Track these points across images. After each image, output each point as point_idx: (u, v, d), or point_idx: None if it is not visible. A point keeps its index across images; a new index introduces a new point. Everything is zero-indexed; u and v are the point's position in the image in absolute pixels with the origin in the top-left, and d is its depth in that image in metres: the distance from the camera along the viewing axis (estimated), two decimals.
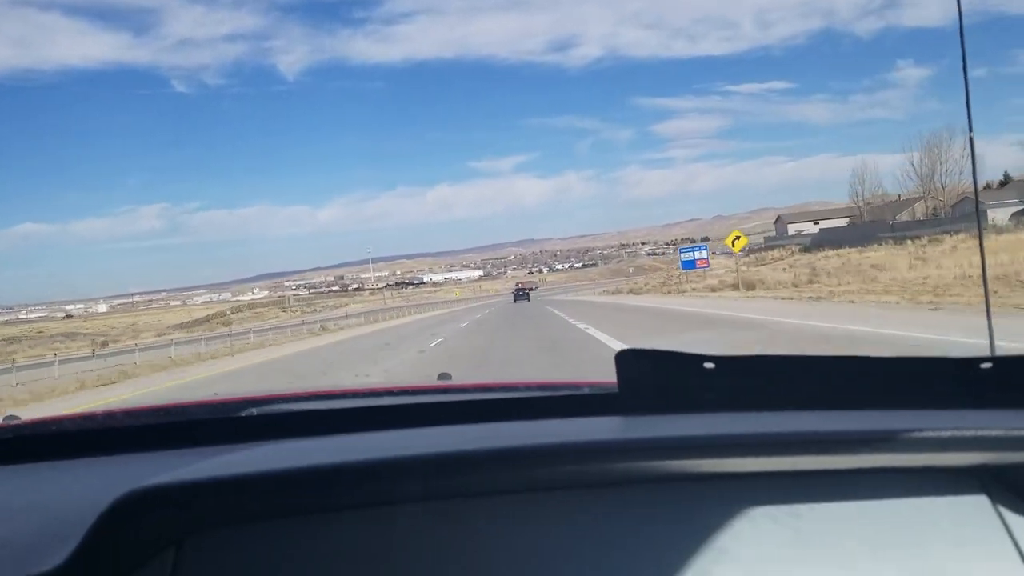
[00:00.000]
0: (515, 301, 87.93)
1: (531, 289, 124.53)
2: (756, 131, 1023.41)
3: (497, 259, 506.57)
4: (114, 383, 20.88)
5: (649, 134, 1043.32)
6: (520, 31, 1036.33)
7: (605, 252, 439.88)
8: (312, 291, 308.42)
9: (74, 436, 1.58)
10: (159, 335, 79.64)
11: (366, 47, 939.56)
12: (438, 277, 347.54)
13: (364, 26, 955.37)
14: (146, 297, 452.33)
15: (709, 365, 1.08)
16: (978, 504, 0.93)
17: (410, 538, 0.91)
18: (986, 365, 1.03)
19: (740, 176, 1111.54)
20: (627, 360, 1.13)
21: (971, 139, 1.73)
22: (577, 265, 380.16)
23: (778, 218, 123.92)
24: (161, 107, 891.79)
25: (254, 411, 1.61)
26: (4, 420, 1.72)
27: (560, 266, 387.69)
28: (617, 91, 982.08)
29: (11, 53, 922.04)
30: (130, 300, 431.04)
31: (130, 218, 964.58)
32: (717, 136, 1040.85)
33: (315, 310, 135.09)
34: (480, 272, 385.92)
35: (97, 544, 0.87)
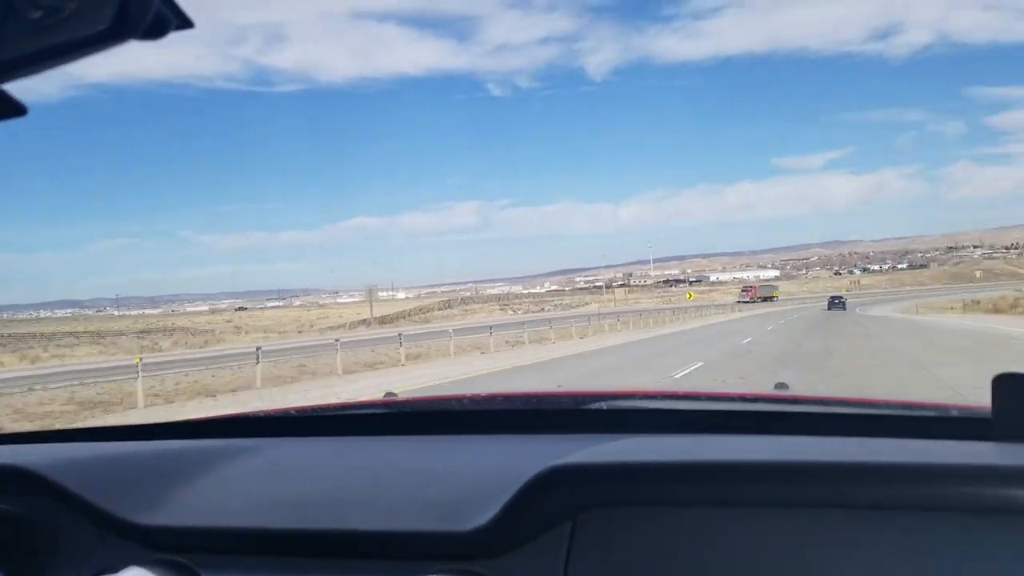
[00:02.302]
0: (829, 308, 73.47)
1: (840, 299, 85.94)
2: None
3: (798, 260, 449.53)
4: None
5: (983, 127, 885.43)
6: (836, 20, 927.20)
7: (927, 255, 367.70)
8: (574, 288, 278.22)
9: (450, 415, 1.75)
10: (301, 333, 55.39)
11: (673, 44, 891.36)
12: (726, 276, 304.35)
13: (672, 23, 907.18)
14: (453, 287, 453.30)
15: None
16: None
17: (772, 543, 0.90)
18: None
19: None
20: (1006, 385, 1.03)
21: None
22: (901, 266, 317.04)
23: None
24: (477, 110, 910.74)
25: (604, 405, 1.62)
26: (385, 395, 2.04)
27: (876, 267, 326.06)
28: (947, 80, 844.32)
29: (352, 62, 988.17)
30: (435, 290, 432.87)
31: (448, 214, 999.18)
32: None
33: (543, 309, 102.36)
34: (776, 272, 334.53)
35: (516, 510, 0.97)
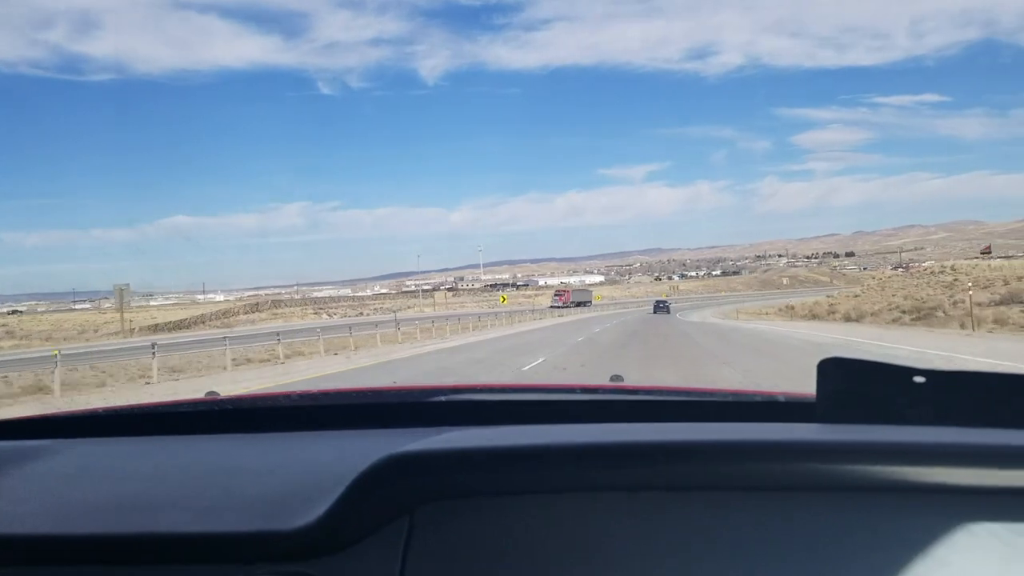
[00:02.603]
0: (655, 312, 74.67)
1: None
2: (904, 145, 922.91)
3: (622, 266, 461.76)
4: None
5: (788, 145, 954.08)
6: (658, 39, 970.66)
7: (738, 263, 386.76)
8: (401, 291, 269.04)
9: (280, 412, 1.65)
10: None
11: (505, 53, 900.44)
12: (553, 280, 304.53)
13: (504, 32, 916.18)
14: (279, 290, 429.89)
15: (919, 379, 1.00)
16: None
17: (615, 526, 0.89)
18: None
19: (885, 191, 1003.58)
20: (828, 369, 1.06)
21: None
22: (715, 273, 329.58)
23: None
24: (307, 108, 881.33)
25: (443, 399, 1.59)
26: (207, 394, 1.87)
27: (693, 273, 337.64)
28: (756, 101, 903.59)
29: (171, 53, 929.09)
30: (259, 292, 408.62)
31: (275, 215, 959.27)
32: (861, 149, 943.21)
33: (361, 313, 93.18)
34: (601, 278, 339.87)
35: (349, 505, 0.90)
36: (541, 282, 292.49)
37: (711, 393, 1.54)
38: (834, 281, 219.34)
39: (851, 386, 1.05)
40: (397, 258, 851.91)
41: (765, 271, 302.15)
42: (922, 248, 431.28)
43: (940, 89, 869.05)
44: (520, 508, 0.92)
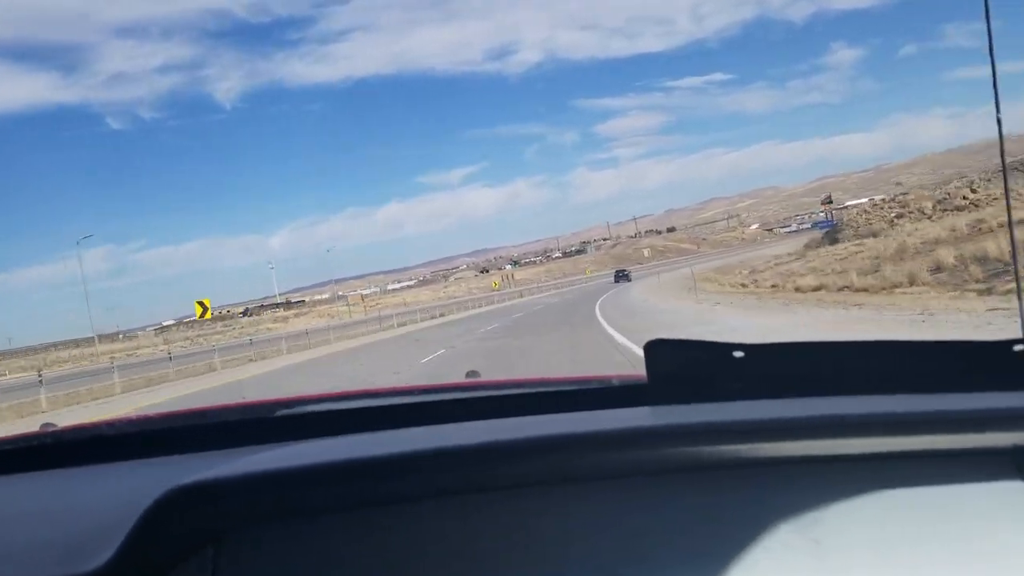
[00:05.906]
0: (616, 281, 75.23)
1: None
2: (699, 124, 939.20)
3: (448, 270, 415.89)
4: None
5: (593, 135, 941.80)
6: (457, 41, 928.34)
7: (566, 251, 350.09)
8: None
9: (111, 441, 1.49)
10: None
11: (302, 68, 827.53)
12: (368, 291, 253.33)
13: (298, 47, 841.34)
14: (76, 339, 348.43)
15: (739, 354, 1.00)
16: (1015, 489, 0.84)
17: (439, 533, 0.83)
18: (1019, 347, 0.94)
19: (687, 170, 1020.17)
20: (656, 351, 1.04)
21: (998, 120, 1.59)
22: (556, 255, 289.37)
23: None
24: (97, 146, 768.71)
25: (283, 412, 1.50)
26: (41, 427, 1.64)
27: (529, 260, 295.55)
28: (559, 95, 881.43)
29: None
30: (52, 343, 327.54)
31: (74, 263, 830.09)
32: (661, 132, 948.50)
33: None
34: (412, 282, 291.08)
35: (141, 541, 0.80)
36: (354, 293, 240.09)
37: (550, 383, 1.49)
38: (700, 248, 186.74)
39: (678, 366, 1.04)
40: (214, 293, 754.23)
41: (613, 246, 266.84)
42: (737, 215, 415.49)
43: (724, 68, 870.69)
44: (333, 525, 0.84)
